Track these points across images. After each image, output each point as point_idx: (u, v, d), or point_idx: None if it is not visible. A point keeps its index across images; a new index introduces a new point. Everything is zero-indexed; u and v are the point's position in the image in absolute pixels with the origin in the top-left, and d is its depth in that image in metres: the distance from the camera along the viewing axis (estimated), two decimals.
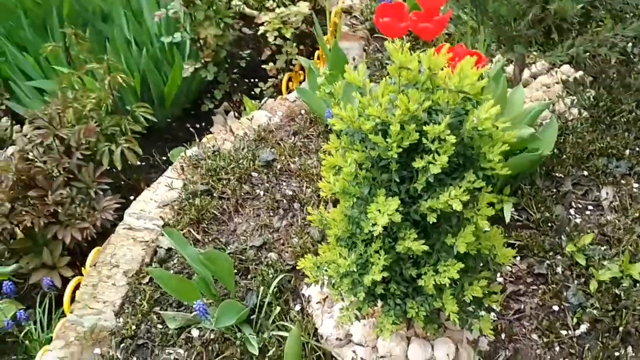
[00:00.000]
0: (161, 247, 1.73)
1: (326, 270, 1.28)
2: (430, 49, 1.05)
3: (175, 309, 1.56)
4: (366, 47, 2.81)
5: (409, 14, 1.63)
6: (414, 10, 1.65)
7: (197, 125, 2.99)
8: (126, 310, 1.57)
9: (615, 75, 2.41)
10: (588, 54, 2.54)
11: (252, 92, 3.06)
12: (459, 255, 1.13)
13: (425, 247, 1.06)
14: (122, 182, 2.36)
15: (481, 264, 1.26)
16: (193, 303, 1.35)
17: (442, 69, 1.05)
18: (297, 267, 1.33)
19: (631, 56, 2.59)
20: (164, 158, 2.56)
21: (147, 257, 1.71)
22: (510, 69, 2.41)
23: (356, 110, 1.06)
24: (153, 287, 1.61)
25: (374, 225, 1.03)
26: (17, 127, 2.70)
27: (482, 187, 1.05)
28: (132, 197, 2.04)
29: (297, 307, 1.57)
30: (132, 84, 2.26)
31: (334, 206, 1.83)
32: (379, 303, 1.29)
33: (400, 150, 1.02)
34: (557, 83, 2.45)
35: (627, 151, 2.02)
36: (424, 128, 0.99)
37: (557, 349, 1.43)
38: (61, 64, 2.56)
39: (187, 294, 1.43)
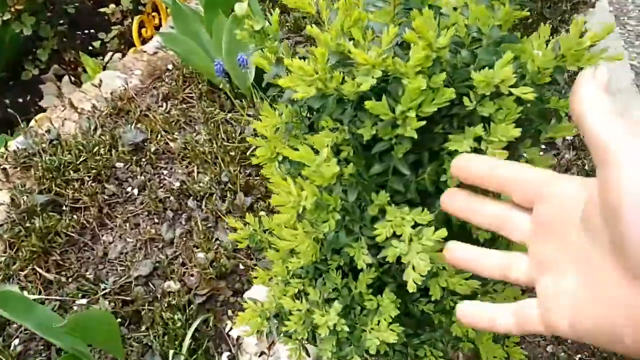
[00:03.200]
0: None
1: (281, 322, 0.80)
2: None
3: None
4: None
5: None
6: None
7: (20, 100, 2.23)
8: None
9: None
10: None
11: (91, 48, 2.35)
12: None
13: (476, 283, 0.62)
14: None
15: None
16: None
17: None
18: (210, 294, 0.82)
19: None
20: None
21: None
22: None
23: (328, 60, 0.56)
24: None
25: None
26: None
27: None
28: None
29: (225, 357, 1.07)
30: None
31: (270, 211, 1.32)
32: None
33: (421, 123, 0.54)
34: None
35: None
36: (472, 75, 0.52)
37: None
38: None
39: None
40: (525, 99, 0.51)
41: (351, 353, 0.72)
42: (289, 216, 0.60)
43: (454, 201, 0.41)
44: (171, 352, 1.01)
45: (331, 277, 0.73)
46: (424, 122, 0.52)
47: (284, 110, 0.69)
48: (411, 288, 0.51)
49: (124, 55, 2.00)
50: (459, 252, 0.40)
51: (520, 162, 0.37)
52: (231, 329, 1.10)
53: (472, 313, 0.38)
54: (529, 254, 0.36)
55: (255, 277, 0.88)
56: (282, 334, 0.83)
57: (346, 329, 0.67)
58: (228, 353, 1.09)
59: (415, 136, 0.53)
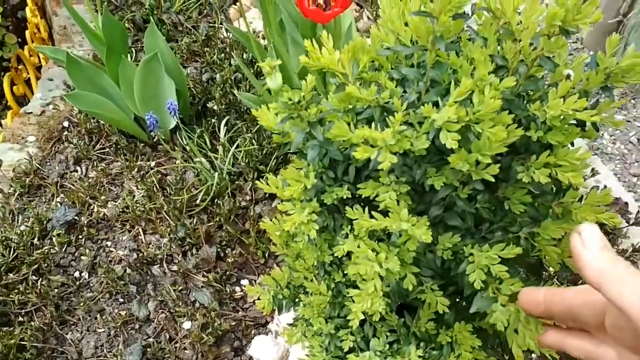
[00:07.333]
0: None
1: None
2: None
3: None
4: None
5: None
6: None
7: None
8: None
9: None
10: None
11: None
12: None
13: None
14: None
15: None
16: None
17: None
18: None
19: None
20: None
21: None
22: None
23: None
24: None
25: None
26: None
27: None
28: None
29: None
30: None
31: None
32: None
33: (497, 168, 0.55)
34: None
35: None
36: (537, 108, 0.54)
37: None
38: None
39: None
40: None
41: None
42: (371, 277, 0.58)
43: (546, 339, 0.46)
44: None
45: (392, 319, 0.72)
46: (498, 168, 0.53)
47: (309, 169, 0.66)
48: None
49: None
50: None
51: (582, 289, 0.40)
52: None
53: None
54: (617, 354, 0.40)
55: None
56: None
57: None
58: None
59: (493, 180, 0.54)
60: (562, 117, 0.52)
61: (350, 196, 0.66)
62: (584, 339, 0.42)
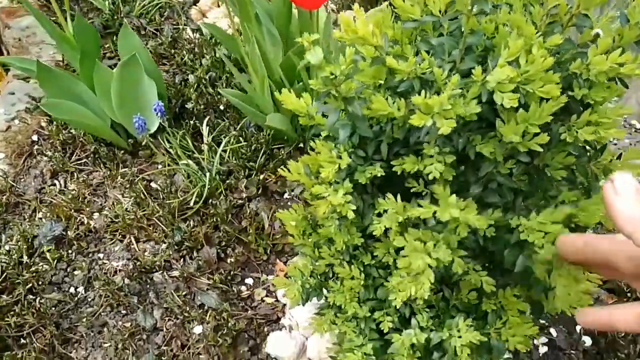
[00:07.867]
0: None
1: None
2: None
3: None
4: None
5: None
6: None
7: None
8: None
9: None
10: None
11: None
12: None
13: None
14: None
15: None
16: None
17: None
18: None
19: None
20: None
21: None
22: None
23: None
24: None
25: None
26: None
27: None
28: None
29: None
30: None
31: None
32: None
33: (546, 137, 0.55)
34: None
35: None
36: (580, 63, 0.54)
37: None
38: None
39: None
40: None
41: None
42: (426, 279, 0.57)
43: (587, 318, 0.42)
44: None
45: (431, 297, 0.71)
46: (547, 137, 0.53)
47: (341, 149, 0.65)
48: None
49: None
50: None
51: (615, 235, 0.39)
52: None
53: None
54: None
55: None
56: None
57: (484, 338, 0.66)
58: None
59: (541, 150, 0.54)
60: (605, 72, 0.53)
61: (383, 174, 0.65)
62: (627, 306, 0.40)
